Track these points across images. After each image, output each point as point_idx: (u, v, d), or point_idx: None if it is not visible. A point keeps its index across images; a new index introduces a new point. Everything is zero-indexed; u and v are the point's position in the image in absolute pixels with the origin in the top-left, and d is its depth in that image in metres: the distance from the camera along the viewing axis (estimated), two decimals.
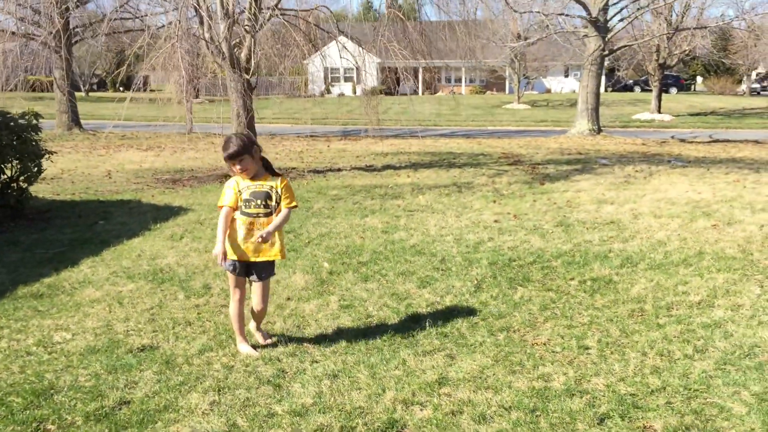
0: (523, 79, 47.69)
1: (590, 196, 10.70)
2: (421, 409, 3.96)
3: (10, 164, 9.06)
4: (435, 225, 8.74)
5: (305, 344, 4.90)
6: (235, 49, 13.04)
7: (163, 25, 15.08)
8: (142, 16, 23.13)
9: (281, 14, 13.48)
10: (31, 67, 34.27)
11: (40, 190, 11.54)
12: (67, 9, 22.67)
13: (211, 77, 19.14)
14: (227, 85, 13.00)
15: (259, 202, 4.59)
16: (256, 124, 13.61)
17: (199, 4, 12.36)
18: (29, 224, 8.97)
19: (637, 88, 59.29)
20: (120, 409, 3.98)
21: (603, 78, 57.45)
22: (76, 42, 26.79)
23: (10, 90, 25.00)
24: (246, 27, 13.01)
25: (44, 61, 26.14)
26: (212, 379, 4.36)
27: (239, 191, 4.59)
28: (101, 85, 64.62)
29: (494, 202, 10.38)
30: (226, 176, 13.24)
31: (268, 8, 12.61)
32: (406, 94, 51.76)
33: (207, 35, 12.58)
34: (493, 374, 4.40)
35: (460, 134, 26.99)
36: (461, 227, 8.61)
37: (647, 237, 8.00)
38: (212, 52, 12.63)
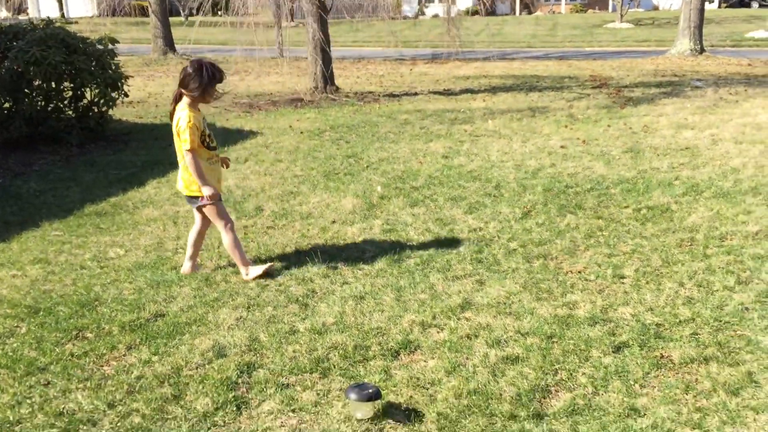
0: None
1: (670, 121, 10.18)
2: (438, 332, 4.02)
3: (89, 89, 9.48)
4: (498, 150, 8.58)
5: (340, 266, 5.01)
6: None
7: None
8: None
9: None
10: None
11: (125, 113, 12.05)
12: None
13: None
14: (302, 8, 12.95)
15: (212, 133, 4.88)
16: (339, 48, 13.54)
17: None
18: (108, 146, 9.42)
19: (755, 4, 54.94)
20: (154, 321, 4.24)
21: None
22: None
23: (118, 15, 25.87)
24: None
25: None
26: (244, 296, 4.55)
27: (202, 129, 4.76)
28: (200, 10, 65.54)
29: (565, 127, 10.04)
30: (301, 100, 13.42)
31: None
32: (502, 15, 50.13)
33: None
34: (519, 300, 4.38)
35: (554, 56, 25.94)
36: (524, 153, 8.42)
37: (721, 164, 7.59)
38: None
